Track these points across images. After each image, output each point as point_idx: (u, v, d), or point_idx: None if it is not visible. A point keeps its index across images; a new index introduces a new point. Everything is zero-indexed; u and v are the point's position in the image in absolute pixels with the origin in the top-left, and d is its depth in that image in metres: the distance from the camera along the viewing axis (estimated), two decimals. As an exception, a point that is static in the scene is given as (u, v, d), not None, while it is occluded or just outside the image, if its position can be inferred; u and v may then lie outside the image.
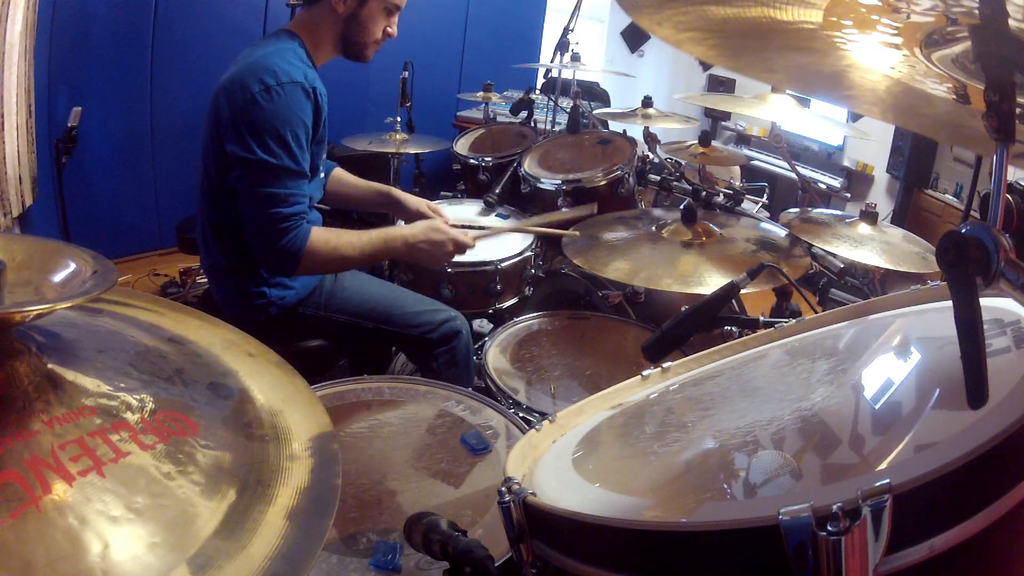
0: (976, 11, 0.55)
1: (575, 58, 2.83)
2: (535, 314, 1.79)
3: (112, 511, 0.52)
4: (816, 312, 1.04)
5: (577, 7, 2.81)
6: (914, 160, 4.32)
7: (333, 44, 1.63)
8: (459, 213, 2.29)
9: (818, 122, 2.84)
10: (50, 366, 0.59)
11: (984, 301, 0.53)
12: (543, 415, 0.97)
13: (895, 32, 0.64)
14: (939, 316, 0.80)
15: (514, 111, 2.95)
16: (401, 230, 1.60)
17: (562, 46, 2.81)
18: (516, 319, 1.77)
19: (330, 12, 1.57)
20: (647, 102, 2.56)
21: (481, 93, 3.09)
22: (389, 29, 1.64)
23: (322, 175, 1.74)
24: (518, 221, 1.98)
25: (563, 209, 1.98)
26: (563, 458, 0.78)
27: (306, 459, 0.66)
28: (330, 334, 1.72)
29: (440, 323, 1.70)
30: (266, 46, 1.54)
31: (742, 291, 1.15)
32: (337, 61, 1.69)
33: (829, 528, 0.42)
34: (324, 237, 1.52)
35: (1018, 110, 0.56)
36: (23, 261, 0.60)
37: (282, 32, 1.60)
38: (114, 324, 0.74)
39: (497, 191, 2.29)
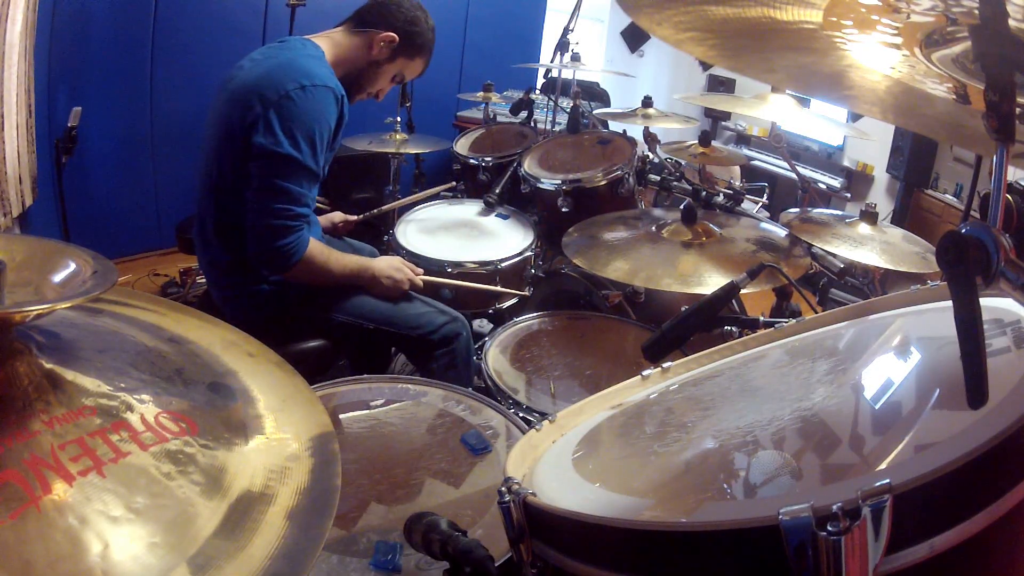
0: (976, 11, 0.55)
1: (575, 58, 2.83)
2: (535, 314, 1.79)
3: (112, 511, 0.52)
4: (816, 312, 1.04)
5: (577, 7, 2.81)
6: (914, 160, 4.32)
7: (344, 73, 1.67)
8: (459, 213, 2.30)
9: (818, 122, 2.84)
10: (50, 366, 0.59)
11: (984, 301, 0.53)
12: (543, 415, 0.97)
13: (895, 32, 0.64)
14: (939, 316, 0.80)
15: (514, 111, 2.95)
16: (371, 264, 1.73)
17: (562, 46, 2.81)
18: (516, 319, 1.77)
19: (366, 48, 1.67)
20: (647, 102, 2.56)
21: (481, 93, 3.09)
22: (380, 93, 1.77)
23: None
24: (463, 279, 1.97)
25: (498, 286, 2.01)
26: (563, 458, 0.78)
27: (306, 459, 0.66)
28: (329, 334, 1.72)
29: (440, 325, 1.70)
30: (295, 49, 1.59)
31: (742, 291, 1.15)
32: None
33: (829, 528, 0.42)
34: (320, 249, 1.60)
35: (1018, 110, 0.56)
36: (23, 261, 0.60)
37: (307, 41, 1.64)
38: (114, 324, 0.75)
39: (497, 191, 2.29)
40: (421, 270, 1.80)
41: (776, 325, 1.00)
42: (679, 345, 1.10)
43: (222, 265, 1.65)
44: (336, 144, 1.63)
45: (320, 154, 1.52)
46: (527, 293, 2.01)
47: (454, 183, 2.58)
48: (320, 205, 2.30)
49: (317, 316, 1.68)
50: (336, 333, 1.72)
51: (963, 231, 0.52)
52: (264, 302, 1.64)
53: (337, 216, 2.14)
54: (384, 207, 2.31)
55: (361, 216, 2.19)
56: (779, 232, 1.71)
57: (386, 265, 1.73)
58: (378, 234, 2.31)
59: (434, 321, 1.70)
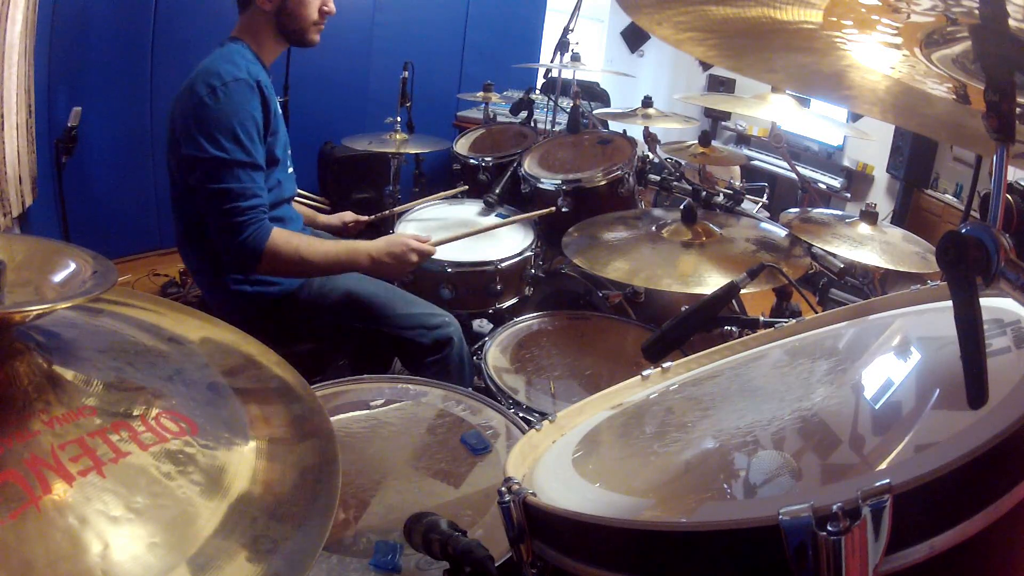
0: (976, 11, 0.55)
1: (575, 58, 2.83)
2: (535, 314, 1.79)
3: (112, 511, 0.52)
4: (816, 312, 1.04)
5: (577, 7, 2.81)
6: (914, 160, 4.32)
7: (274, 39, 1.67)
8: (459, 213, 2.30)
9: (818, 122, 2.84)
10: (50, 366, 0.59)
11: (984, 301, 0.53)
12: (543, 415, 0.97)
13: (895, 32, 0.64)
14: (939, 316, 0.80)
15: (514, 111, 2.95)
16: (365, 245, 1.65)
17: (562, 46, 2.81)
18: (516, 319, 1.77)
19: (259, 12, 1.64)
20: (647, 102, 2.55)
21: (481, 93, 3.09)
22: (325, 8, 1.66)
23: (291, 170, 1.77)
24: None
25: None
26: (563, 458, 0.78)
27: (306, 459, 0.66)
28: (320, 332, 1.72)
29: (433, 327, 1.69)
30: (212, 55, 1.61)
31: (742, 291, 1.15)
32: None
33: (829, 528, 0.42)
34: (286, 238, 1.55)
35: (1018, 110, 0.56)
36: (23, 261, 0.60)
37: (227, 40, 1.66)
38: (114, 324, 0.74)
39: (497, 191, 2.29)
40: (428, 236, 1.72)
41: (776, 325, 1.00)
42: (679, 345, 1.10)
43: (200, 268, 1.68)
44: (276, 125, 1.61)
45: (253, 144, 1.50)
46: (553, 209, 1.92)
47: (466, 187, 2.56)
48: (320, 205, 2.30)
49: (305, 313, 1.68)
50: (325, 331, 1.72)
51: (963, 231, 0.52)
52: (248, 300, 1.64)
53: (348, 216, 2.13)
54: (396, 208, 2.31)
55: (372, 217, 2.18)
56: (779, 232, 1.71)
57: (383, 243, 1.64)
58: (378, 234, 2.31)
59: (426, 323, 1.69)
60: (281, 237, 1.54)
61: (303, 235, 1.63)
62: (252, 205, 1.51)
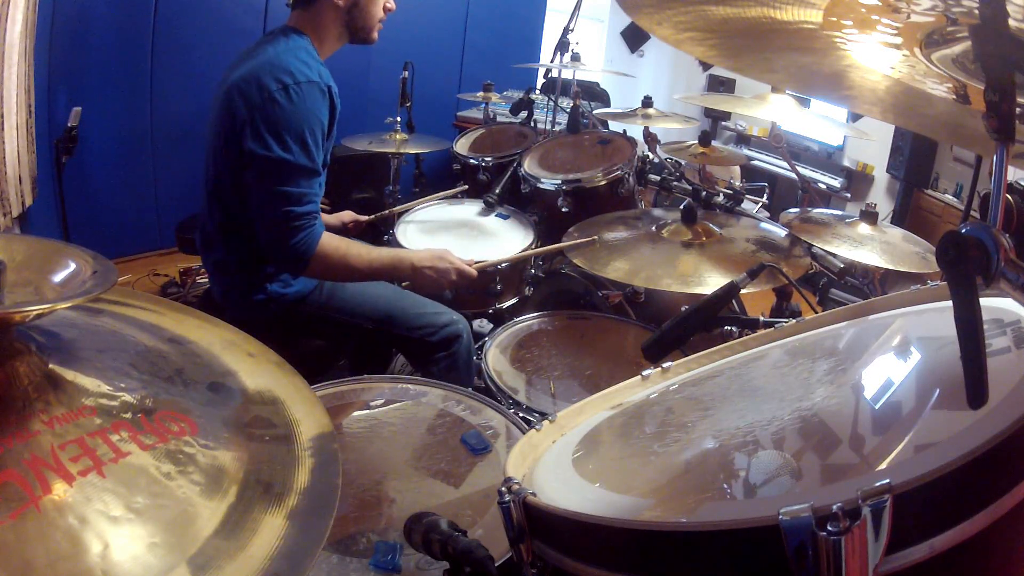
0: (976, 11, 0.55)
1: (575, 58, 2.83)
2: (535, 314, 1.79)
3: (112, 511, 0.52)
4: (816, 312, 1.04)
5: (577, 7, 2.81)
6: (914, 160, 4.32)
7: (337, 36, 1.64)
8: (459, 213, 2.30)
9: (818, 122, 2.84)
10: (50, 366, 0.59)
11: (984, 301, 0.53)
12: (543, 415, 0.97)
13: (895, 32, 0.64)
14: (939, 316, 0.80)
15: (514, 111, 2.95)
16: (410, 254, 1.66)
17: (562, 46, 2.81)
18: (516, 319, 1.77)
19: (331, 7, 1.59)
20: (647, 102, 2.56)
21: (481, 93, 3.09)
22: (388, 4, 1.65)
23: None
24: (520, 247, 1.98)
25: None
26: (563, 458, 0.78)
27: (306, 459, 0.66)
28: (330, 334, 1.72)
29: (441, 326, 1.69)
30: (276, 44, 1.54)
31: (742, 291, 1.15)
32: (334, 60, 1.68)
33: (829, 528, 0.42)
34: (335, 244, 1.55)
35: (1018, 110, 0.56)
36: (23, 261, 0.60)
37: (288, 29, 1.60)
38: (114, 324, 0.74)
39: (497, 191, 2.29)
40: (471, 259, 1.70)
41: (776, 325, 1.00)
42: (679, 345, 1.10)
43: (227, 266, 1.65)
44: (334, 134, 1.60)
45: (315, 150, 1.49)
46: (595, 239, 1.78)
47: (466, 187, 2.55)
48: (321, 205, 2.30)
49: (318, 315, 1.68)
50: (336, 333, 1.72)
51: (963, 231, 0.52)
52: (265, 299, 1.64)
53: (347, 216, 2.13)
54: (396, 208, 2.31)
55: (372, 217, 2.18)
56: (779, 232, 1.71)
57: (428, 255, 1.64)
58: (378, 234, 2.31)
59: (435, 322, 1.70)
60: (331, 244, 1.54)
61: (352, 242, 1.61)
62: (307, 211, 1.49)
